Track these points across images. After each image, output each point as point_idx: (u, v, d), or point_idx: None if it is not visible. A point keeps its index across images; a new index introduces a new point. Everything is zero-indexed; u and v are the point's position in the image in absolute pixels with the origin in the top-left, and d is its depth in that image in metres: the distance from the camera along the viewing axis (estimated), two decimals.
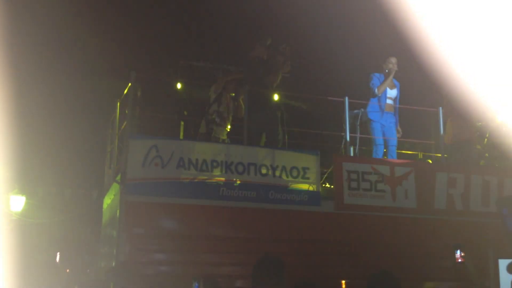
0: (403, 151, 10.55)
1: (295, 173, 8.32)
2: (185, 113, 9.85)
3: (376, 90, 9.52)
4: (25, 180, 17.20)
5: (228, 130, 9.29)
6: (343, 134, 9.12)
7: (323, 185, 8.68)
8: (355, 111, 9.50)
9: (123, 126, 8.46)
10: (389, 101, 9.60)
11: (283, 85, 9.35)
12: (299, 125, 9.70)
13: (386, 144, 9.50)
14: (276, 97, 9.12)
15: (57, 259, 22.34)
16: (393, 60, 9.67)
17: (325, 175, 8.89)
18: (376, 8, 10.95)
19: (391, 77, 9.56)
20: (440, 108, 9.53)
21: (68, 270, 22.40)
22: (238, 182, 7.99)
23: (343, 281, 6.56)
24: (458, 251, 7.08)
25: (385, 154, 9.53)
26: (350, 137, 9.10)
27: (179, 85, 10.06)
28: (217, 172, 8.00)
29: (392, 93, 9.65)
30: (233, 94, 9.28)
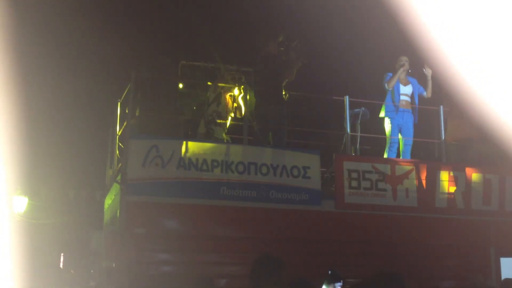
0: None
1: (295, 172, 8.31)
2: (185, 113, 9.83)
3: (386, 85, 9.60)
4: (28, 181, 17.23)
5: (227, 130, 9.26)
6: (344, 133, 9.12)
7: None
8: (356, 110, 9.50)
9: (123, 126, 8.47)
10: (404, 98, 9.66)
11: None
12: (300, 124, 9.69)
13: (400, 143, 9.54)
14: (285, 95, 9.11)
15: (61, 260, 22.35)
16: (403, 58, 9.79)
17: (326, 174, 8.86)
18: (378, 6, 10.93)
19: (399, 72, 9.62)
20: (441, 106, 9.54)
21: (72, 271, 22.40)
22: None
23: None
24: None
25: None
26: (351, 136, 9.11)
27: (179, 85, 10.05)
28: (217, 171, 7.99)
29: (406, 89, 9.72)
30: (232, 94, 9.24)
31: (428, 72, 9.88)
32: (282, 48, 9.20)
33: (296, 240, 7.99)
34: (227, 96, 9.10)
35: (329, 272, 6.48)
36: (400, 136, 9.57)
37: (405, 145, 9.52)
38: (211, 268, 7.61)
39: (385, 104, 9.67)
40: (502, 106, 9.20)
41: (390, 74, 9.77)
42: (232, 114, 9.16)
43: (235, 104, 9.17)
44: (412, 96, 9.76)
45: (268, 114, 8.75)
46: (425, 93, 9.89)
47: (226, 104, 9.06)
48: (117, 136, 8.74)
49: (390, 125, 9.56)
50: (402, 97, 9.65)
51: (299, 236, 8.07)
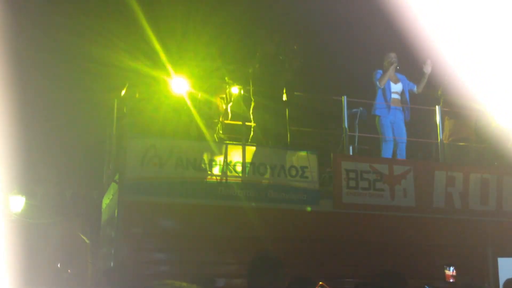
0: None
1: (293, 172, 8.30)
2: (182, 113, 9.79)
3: (378, 83, 9.58)
4: (25, 180, 17.20)
5: (221, 132, 9.21)
6: (342, 133, 9.12)
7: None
8: (354, 109, 9.50)
9: (121, 126, 8.46)
10: (395, 96, 9.67)
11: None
12: (298, 124, 9.68)
13: (394, 141, 9.54)
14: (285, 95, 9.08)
15: (58, 260, 22.32)
16: (392, 55, 9.76)
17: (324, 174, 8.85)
18: (375, 5, 10.95)
19: (390, 70, 9.61)
20: (438, 106, 9.54)
21: (69, 271, 22.37)
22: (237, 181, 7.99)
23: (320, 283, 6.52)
24: (452, 268, 7.07)
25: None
26: (349, 136, 9.10)
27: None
28: (215, 171, 7.99)
29: (396, 87, 9.72)
30: (225, 96, 9.15)
31: (427, 69, 9.81)
32: (280, 48, 9.18)
33: (294, 240, 7.98)
34: (219, 98, 8.95)
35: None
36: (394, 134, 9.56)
37: (399, 143, 9.51)
38: (209, 268, 7.60)
39: (377, 102, 9.65)
40: (501, 105, 9.21)
41: (380, 71, 9.73)
42: (221, 118, 9.03)
43: (225, 106, 9.04)
44: (402, 94, 9.75)
45: (266, 114, 8.73)
46: (415, 89, 9.83)
47: (217, 107, 8.94)
48: (115, 136, 8.73)
49: (383, 123, 9.55)
50: (393, 95, 9.65)
51: (297, 235, 8.05)
